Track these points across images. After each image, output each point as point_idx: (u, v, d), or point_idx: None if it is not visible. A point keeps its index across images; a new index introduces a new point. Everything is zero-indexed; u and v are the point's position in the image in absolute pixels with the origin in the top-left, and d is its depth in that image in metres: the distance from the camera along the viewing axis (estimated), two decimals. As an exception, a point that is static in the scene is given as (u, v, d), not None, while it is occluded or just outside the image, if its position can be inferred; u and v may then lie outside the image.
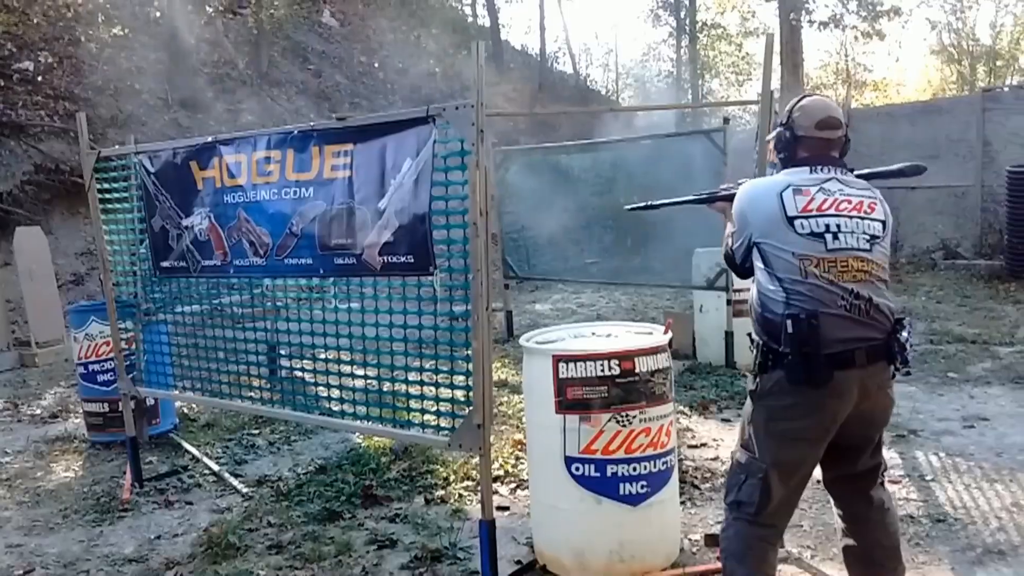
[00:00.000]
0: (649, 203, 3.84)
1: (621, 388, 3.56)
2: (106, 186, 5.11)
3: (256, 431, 6.36)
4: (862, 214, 2.86)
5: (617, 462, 3.59)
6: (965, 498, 4.48)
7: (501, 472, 5.15)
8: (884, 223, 2.89)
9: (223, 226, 4.33)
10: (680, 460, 5.18)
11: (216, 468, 5.55)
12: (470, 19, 24.09)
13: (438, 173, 3.54)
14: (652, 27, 24.68)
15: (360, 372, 4.21)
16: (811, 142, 2.96)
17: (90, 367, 6.21)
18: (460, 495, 4.83)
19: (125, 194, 4.99)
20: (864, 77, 30.78)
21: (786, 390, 2.81)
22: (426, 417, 3.77)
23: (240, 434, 6.32)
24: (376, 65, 18.40)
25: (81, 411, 6.56)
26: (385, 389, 4.14)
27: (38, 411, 7.54)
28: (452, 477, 5.10)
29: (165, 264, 4.77)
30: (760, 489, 2.91)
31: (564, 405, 3.60)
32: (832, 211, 2.84)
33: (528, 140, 17.01)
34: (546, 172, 9.00)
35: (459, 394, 3.60)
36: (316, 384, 4.31)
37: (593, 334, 3.95)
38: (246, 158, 4.18)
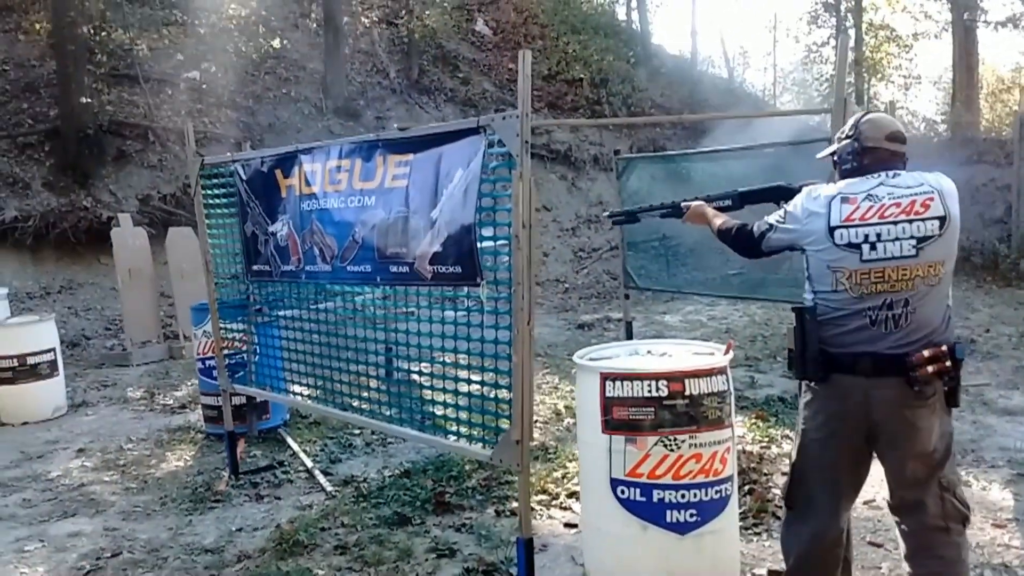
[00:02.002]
0: (627, 210, 3.97)
1: (669, 410, 3.40)
2: (211, 192, 5.37)
3: (357, 431, 6.52)
4: (912, 216, 2.81)
5: (664, 487, 3.42)
6: (1078, 550, 4.01)
7: (578, 488, 5.04)
8: (943, 219, 2.79)
9: (299, 232, 4.46)
10: (768, 488, 4.92)
11: (310, 465, 5.73)
12: (624, 24, 23.91)
13: (487, 184, 3.51)
14: (809, 30, 23.39)
15: (407, 379, 4.24)
16: (879, 153, 2.96)
17: (207, 363, 6.55)
18: (532, 508, 4.77)
19: (227, 199, 5.22)
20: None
21: (803, 389, 3.07)
22: (472, 430, 3.74)
23: (341, 433, 6.49)
24: (523, 72, 18.52)
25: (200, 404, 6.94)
26: (432, 398, 4.12)
27: (171, 402, 8.02)
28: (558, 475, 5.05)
29: (255, 268, 4.96)
30: (790, 482, 3.17)
31: (610, 425, 3.47)
32: (875, 219, 2.84)
33: (676, 146, 16.72)
34: (673, 180, 8.75)
35: (500, 408, 3.54)
36: (367, 388, 4.36)
37: (649, 352, 3.80)
38: (320, 167, 4.29)
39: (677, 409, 3.40)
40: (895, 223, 2.81)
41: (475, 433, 3.71)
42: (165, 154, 13.68)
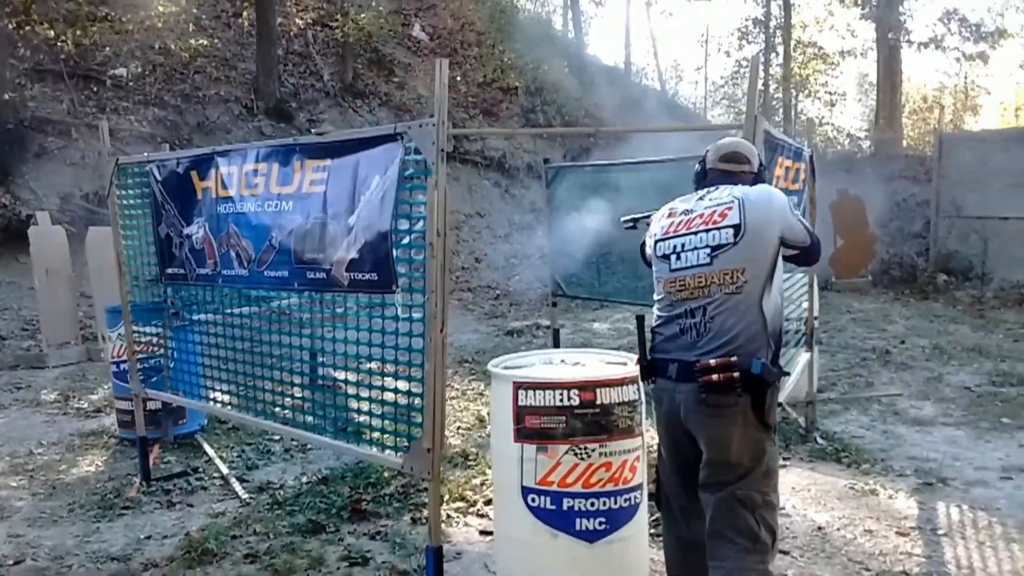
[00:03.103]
0: (635, 217, 3.82)
1: (580, 419, 3.43)
2: (127, 192, 5.26)
3: (276, 437, 6.42)
4: (709, 225, 2.96)
5: (574, 496, 3.46)
6: (974, 557, 4.16)
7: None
8: (737, 227, 2.90)
9: (215, 236, 4.39)
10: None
11: (225, 471, 5.63)
12: (560, 34, 24.11)
13: (404, 191, 3.50)
14: (739, 46, 23.81)
15: (323, 385, 4.21)
16: (714, 173, 3.17)
17: (121, 366, 6.39)
18: (448, 516, 4.76)
19: (142, 200, 5.11)
20: (980, 100, 29.52)
21: None
22: (385, 438, 3.72)
23: (260, 439, 6.39)
24: (459, 79, 18.53)
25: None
26: (347, 405, 4.09)
27: (85, 405, 7.81)
28: (447, 496, 5.03)
29: (170, 271, 4.86)
30: (656, 485, 3.30)
31: (522, 433, 3.50)
32: (683, 231, 3.03)
33: (607, 156, 16.84)
34: (601, 189, 8.84)
35: (413, 416, 3.54)
36: (282, 394, 4.32)
37: (563, 361, 3.83)
38: (237, 170, 4.23)
39: (588, 418, 3.44)
40: (695, 233, 2.98)
41: (388, 441, 3.70)
42: (88, 151, 13.31)
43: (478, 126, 17.80)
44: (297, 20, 17.82)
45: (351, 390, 3.95)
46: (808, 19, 24.07)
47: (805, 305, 6.13)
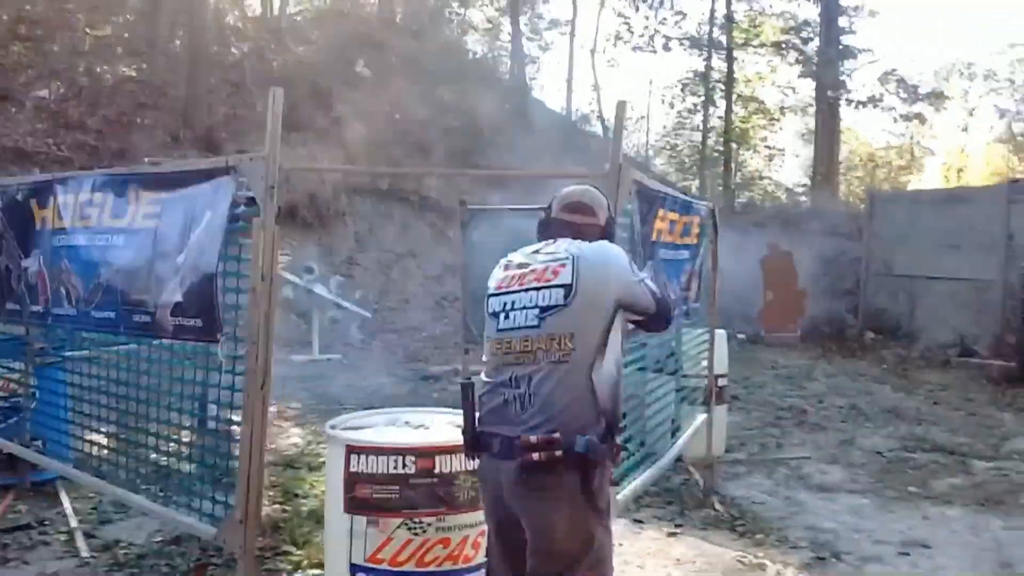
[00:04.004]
0: None
1: (415, 490, 3.10)
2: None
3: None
4: (541, 283, 2.65)
5: (407, 575, 3.11)
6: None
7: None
8: (568, 287, 2.60)
9: (49, 270, 4.01)
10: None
11: (74, 525, 5.16)
12: (505, 77, 24.07)
13: (236, 231, 3.18)
14: (683, 97, 23.95)
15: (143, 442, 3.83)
16: (556, 224, 2.86)
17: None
18: (301, 584, 4.38)
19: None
20: (925, 161, 30.05)
21: None
22: (204, 504, 3.34)
23: (124, 490, 5.92)
24: (397, 117, 18.30)
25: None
26: (168, 466, 3.71)
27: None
28: (304, 563, 4.63)
29: (8, 306, 4.46)
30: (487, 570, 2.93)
31: (353, 503, 3.15)
32: (515, 287, 2.71)
33: (514, 200, 16.68)
34: (512, 233, 8.60)
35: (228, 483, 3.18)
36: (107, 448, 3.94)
37: (407, 423, 3.50)
38: (73, 199, 3.87)
39: (425, 488, 3.11)
40: (526, 291, 2.68)
41: (206, 508, 3.32)
42: (1, 174, 12.78)
43: (415, 165, 17.54)
44: (233, 50, 17.48)
45: (174, 448, 3.57)
46: (750, 74, 24.38)
47: (705, 363, 5.88)
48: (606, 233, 2.87)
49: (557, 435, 2.50)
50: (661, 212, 4.06)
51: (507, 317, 2.70)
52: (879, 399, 9.97)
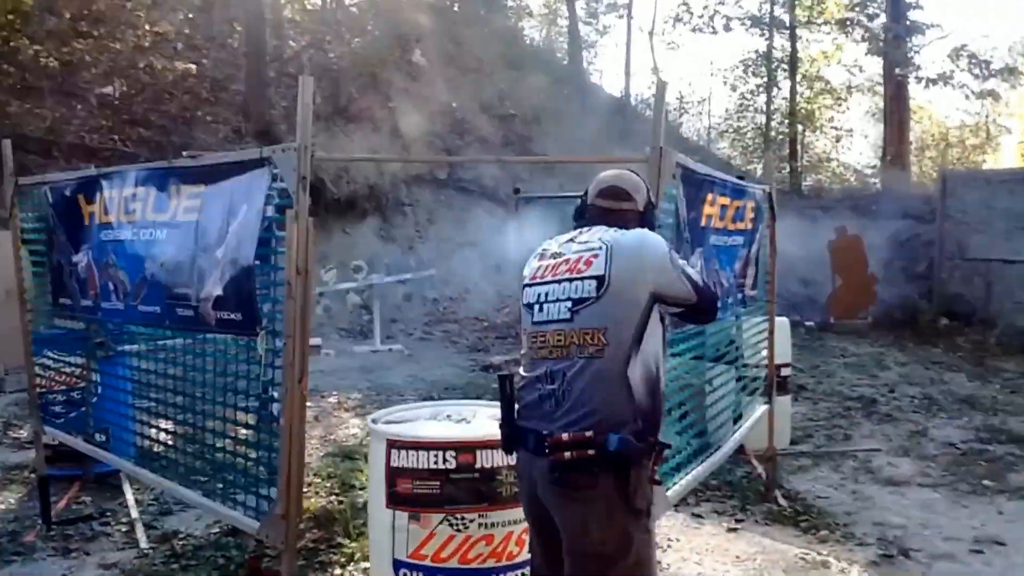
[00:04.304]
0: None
1: (456, 485, 3.03)
2: (31, 215, 4.95)
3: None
4: (573, 275, 2.52)
5: (450, 572, 3.04)
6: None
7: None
8: (600, 279, 2.48)
9: (98, 264, 4.03)
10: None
11: (135, 516, 5.24)
12: (563, 61, 23.86)
13: (271, 223, 3.14)
14: (745, 80, 23.41)
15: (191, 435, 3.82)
16: (592, 211, 2.74)
17: (46, 397, 6.02)
18: (352, 578, 4.35)
19: (41, 224, 4.79)
20: (998, 139, 28.89)
21: None
22: (248, 498, 3.31)
23: (183, 481, 5.99)
24: (454, 105, 18.27)
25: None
26: (215, 459, 3.68)
27: (24, 435, 7.44)
28: (357, 556, 4.61)
29: (61, 300, 4.51)
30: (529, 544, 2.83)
31: (395, 499, 3.09)
32: (548, 277, 2.59)
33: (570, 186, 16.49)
34: (567, 221, 8.48)
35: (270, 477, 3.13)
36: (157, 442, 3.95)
37: (448, 416, 3.42)
38: (118, 194, 3.87)
39: (466, 484, 3.03)
40: (559, 282, 2.57)
41: (249, 502, 3.29)
42: (69, 170, 13.09)
43: (473, 154, 17.49)
44: (291, 43, 17.63)
45: (220, 443, 3.54)
46: (814, 53, 23.73)
47: (765, 352, 5.68)
48: (645, 218, 2.73)
49: (589, 433, 2.39)
50: (710, 197, 3.89)
51: (541, 309, 2.59)
52: (953, 388, 9.59)
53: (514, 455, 2.73)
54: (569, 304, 2.51)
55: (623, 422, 2.42)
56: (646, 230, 2.65)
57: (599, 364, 2.43)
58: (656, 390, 2.52)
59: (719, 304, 2.77)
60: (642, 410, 2.45)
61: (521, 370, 2.70)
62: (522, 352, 2.72)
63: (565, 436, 2.40)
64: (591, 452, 2.38)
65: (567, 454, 2.39)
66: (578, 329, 2.47)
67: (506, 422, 2.65)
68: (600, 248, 2.52)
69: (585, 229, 2.68)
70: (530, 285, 2.68)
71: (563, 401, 2.47)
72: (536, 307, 2.62)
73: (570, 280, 2.53)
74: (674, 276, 2.54)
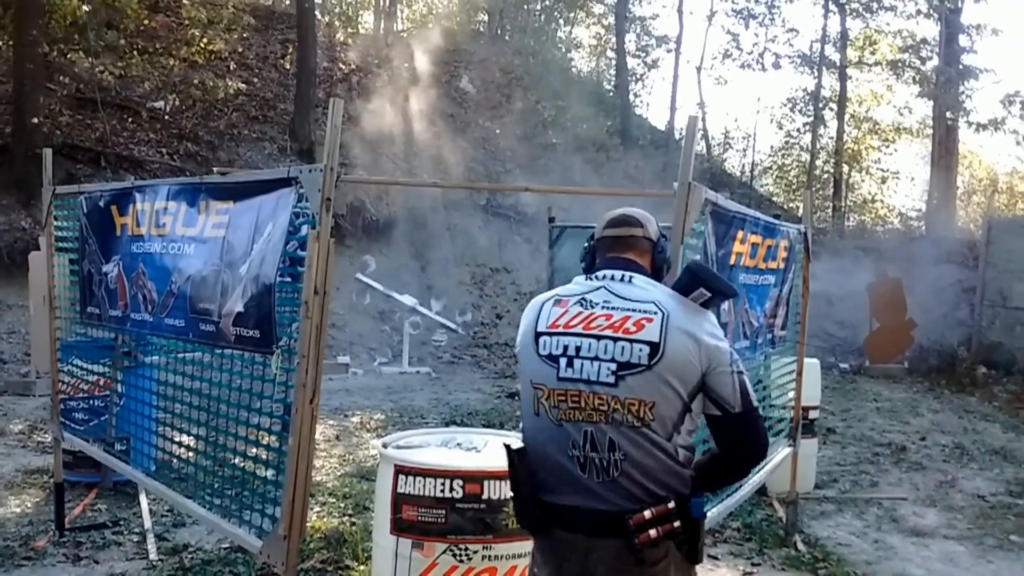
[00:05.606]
0: None
1: (461, 515, 3.01)
2: (65, 224, 5.05)
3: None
4: (619, 333, 2.23)
5: (451, 604, 3.02)
6: None
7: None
8: (655, 347, 2.20)
9: (127, 276, 4.10)
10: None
11: (147, 526, 5.28)
12: (609, 93, 23.93)
13: (294, 242, 3.17)
14: (792, 118, 23.25)
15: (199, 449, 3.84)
16: (603, 242, 2.50)
17: (68, 404, 6.12)
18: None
19: (75, 233, 4.89)
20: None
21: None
22: (253, 516, 3.32)
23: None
24: (498, 132, 18.39)
25: (62, 447, 6.49)
26: (222, 475, 3.71)
27: (48, 439, 7.55)
28: (365, 580, 4.60)
29: (89, 309, 4.59)
30: None
31: (399, 525, 3.08)
32: (579, 328, 2.29)
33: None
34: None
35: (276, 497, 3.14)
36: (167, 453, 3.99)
37: (458, 444, 3.41)
38: (150, 207, 3.94)
39: (471, 514, 3.01)
40: (597, 338, 2.26)
41: (255, 520, 3.30)
42: (116, 181, 13.38)
43: (513, 181, 17.56)
44: (341, 65, 17.90)
45: (228, 458, 3.57)
46: (864, 93, 23.55)
47: (792, 394, 5.60)
48: (657, 251, 2.53)
49: (671, 505, 2.21)
50: (740, 234, 3.86)
51: (570, 364, 2.28)
52: (987, 438, 9.36)
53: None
54: (613, 367, 2.23)
55: (686, 485, 2.28)
56: (701, 307, 2.32)
57: (644, 432, 2.23)
58: (692, 458, 2.33)
59: (765, 440, 2.38)
60: (690, 468, 2.31)
61: (529, 428, 2.40)
62: (529, 409, 2.38)
63: (647, 514, 2.20)
64: (676, 524, 2.22)
65: (653, 532, 2.20)
66: (623, 398, 2.22)
67: (528, 498, 2.33)
68: (656, 313, 2.26)
69: (617, 275, 2.38)
70: (549, 334, 2.34)
71: (618, 472, 2.23)
72: (563, 360, 2.29)
73: (614, 340, 2.25)
74: (728, 370, 2.27)
